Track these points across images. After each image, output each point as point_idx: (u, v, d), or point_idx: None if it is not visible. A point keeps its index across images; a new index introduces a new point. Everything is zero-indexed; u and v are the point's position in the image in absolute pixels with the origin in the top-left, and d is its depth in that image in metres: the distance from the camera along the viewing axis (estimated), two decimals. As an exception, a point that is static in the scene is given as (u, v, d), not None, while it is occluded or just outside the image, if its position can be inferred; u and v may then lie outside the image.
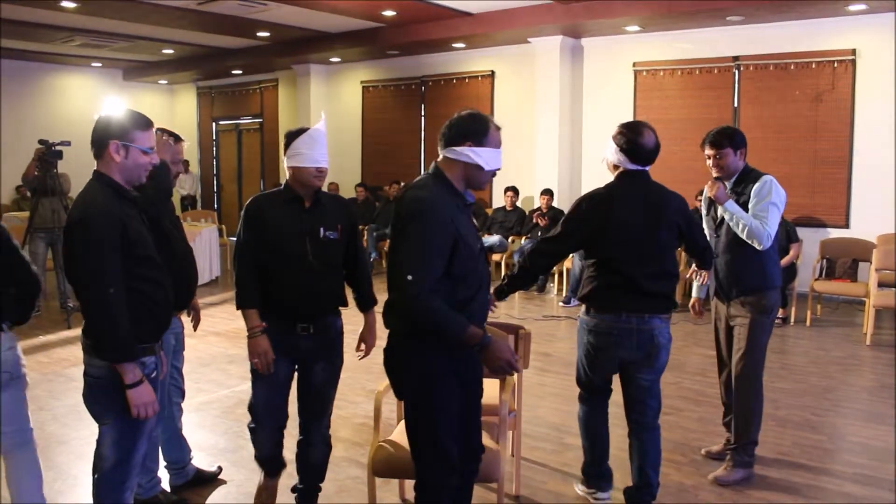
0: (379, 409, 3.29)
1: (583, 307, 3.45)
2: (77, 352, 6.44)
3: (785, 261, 7.32)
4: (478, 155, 2.56)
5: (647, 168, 3.34)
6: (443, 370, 2.59)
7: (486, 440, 3.23)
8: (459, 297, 2.54)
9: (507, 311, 8.14)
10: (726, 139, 3.82)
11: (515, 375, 3.70)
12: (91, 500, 2.73)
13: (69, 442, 4.46)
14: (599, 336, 3.35)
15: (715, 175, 3.89)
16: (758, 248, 3.72)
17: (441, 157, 2.64)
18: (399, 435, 3.29)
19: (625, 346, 3.31)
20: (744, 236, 3.72)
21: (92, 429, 4.53)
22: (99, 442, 2.69)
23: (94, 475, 2.71)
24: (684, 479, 3.91)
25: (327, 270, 3.16)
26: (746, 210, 3.75)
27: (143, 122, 2.64)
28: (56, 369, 6.00)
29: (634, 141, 3.27)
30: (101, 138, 2.59)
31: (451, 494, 2.68)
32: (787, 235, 7.46)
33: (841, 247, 7.92)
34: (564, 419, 4.75)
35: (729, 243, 3.85)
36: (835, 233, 8.47)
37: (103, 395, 2.61)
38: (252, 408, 3.36)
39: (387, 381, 3.43)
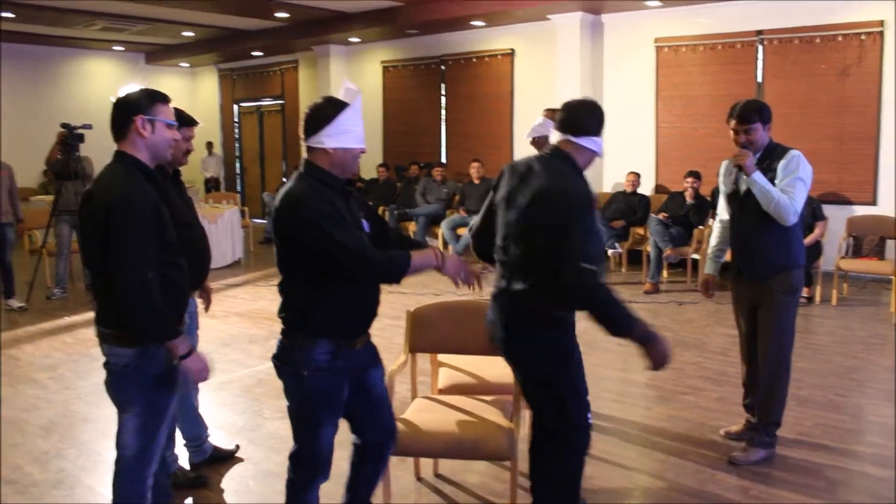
0: (391, 388, 3.29)
1: None
2: (101, 333, 6.55)
3: (810, 239, 7.20)
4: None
5: None
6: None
7: (500, 419, 3.24)
8: None
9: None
10: (755, 113, 3.71)
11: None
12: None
13: (94, 420, 4.53)
14: None
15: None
16: (783, 224, 3.64)
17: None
18: (412, 413, 3.30)
19: None
20: (770, 210, 3.62)
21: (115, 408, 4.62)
22: (120, 430, 2.70)
23: (116, 467, 2.74)
24: (701, 459, 3.89)
25: None
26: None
27: (163, 96, 2.63)
28: (81, 349, 6.08)
29: None
30: (125, 115, 2.55)
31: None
32: (812, 213, 7.34)
33: (868, 224, 7.77)
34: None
35: (753, 222, 3.75)
36: (861, 210, 8.30)
37: (127, 384, 2.62)
38: (311, 458, 2.74)
39: (400, 360, 3.46)
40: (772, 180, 3.66)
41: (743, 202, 3.81)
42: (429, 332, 3.59)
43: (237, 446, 4.05)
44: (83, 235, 2.59)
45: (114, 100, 2.60)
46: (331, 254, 2.48)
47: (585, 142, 2.82)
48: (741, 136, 3.73)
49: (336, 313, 2.60)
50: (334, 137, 2.55)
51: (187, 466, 3.78)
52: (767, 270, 3.78)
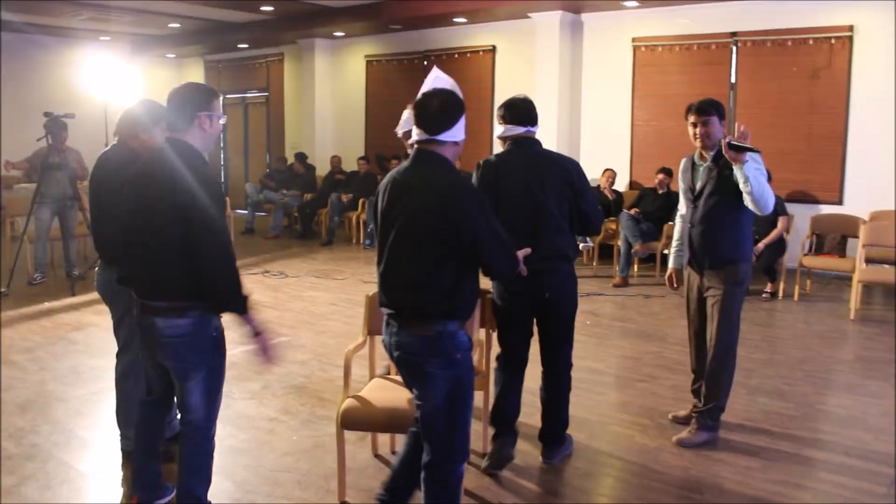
0: (349, 367, 3.46)
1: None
2: (80, 317, 6.69)
3: (774, 234, 7.41)
4: None
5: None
6: None
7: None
8: None
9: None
10: (712, 107, 3.93)
11: (483, 337, 3.83)
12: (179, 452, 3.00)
13: (68, 399, 4.68)
14: None
15: (699, 145, 3.96)
16: (762, 212, 3.79)
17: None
18: (368, 391, 3.47)
19: None
20: (756, 195, 3.69)
21: (89, 388, 4.79)
22: (186, 398, 2.93)
23: (186, 429, 2.98)
24: (648, 441, 4.08)
25: None
26: (727, 184, 3.82)
27: (216, 92, 2.94)
28: (59, 333, 6.22)
29: None
30: (190, 110, 2.82)
31: None
32: (774, 209, 7.51)
33: (831, 223, 7.99)
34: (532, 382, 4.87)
35: (705, 215, 3.97)
36: (828, 209, 8.53)
37: (189, 352, 2.87)
38: (465, 445, 2.80)
39: (358, 341, 3.62)
40: (729, 178, 3.83)
41: (697, 198, 4.02)
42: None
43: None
44: (146, 209, 2.82)
45: (172, 90, 2.87)
46: (480, 243, 2.57)
47: (535, 129, 3.66)
48: (699, 128, 3.92)
49: (471, 297, 2.74)
50: (462, 129, 2.69)
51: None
52: (717, 262, 3.99)
